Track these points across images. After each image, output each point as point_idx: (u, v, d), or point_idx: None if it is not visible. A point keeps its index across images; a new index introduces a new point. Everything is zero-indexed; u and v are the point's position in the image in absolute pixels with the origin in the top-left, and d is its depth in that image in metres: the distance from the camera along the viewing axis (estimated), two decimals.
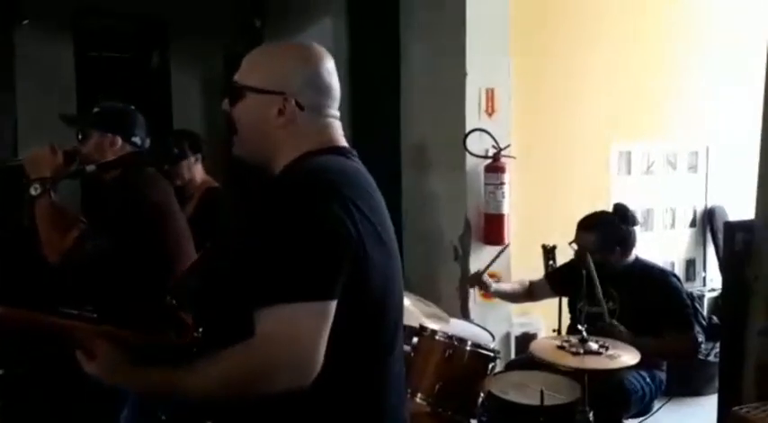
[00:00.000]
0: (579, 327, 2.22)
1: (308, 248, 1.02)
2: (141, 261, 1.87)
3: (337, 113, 1.24)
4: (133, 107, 2.09)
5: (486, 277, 2.94)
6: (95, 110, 2.02)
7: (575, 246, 2.70)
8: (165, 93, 5.98)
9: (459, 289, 3.44)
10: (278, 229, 1.04)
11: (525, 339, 3.62)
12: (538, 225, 3.53)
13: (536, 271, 3.18)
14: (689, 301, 2.64)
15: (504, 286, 3.18)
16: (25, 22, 5.30)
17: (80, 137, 1.98)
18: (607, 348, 2.14)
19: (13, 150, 5.15)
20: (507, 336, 3.55)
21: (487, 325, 2.82)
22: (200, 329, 1.22)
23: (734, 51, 4.33)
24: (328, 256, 1.03)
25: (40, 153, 1.89)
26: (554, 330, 3.05)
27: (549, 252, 3.18)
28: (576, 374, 2.22)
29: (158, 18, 5.83)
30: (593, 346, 2.14)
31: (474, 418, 2.21)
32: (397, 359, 1.20)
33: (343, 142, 1.23)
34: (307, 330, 1.01)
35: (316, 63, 1.20)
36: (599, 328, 2.32)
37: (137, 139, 2.03)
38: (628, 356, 2.11)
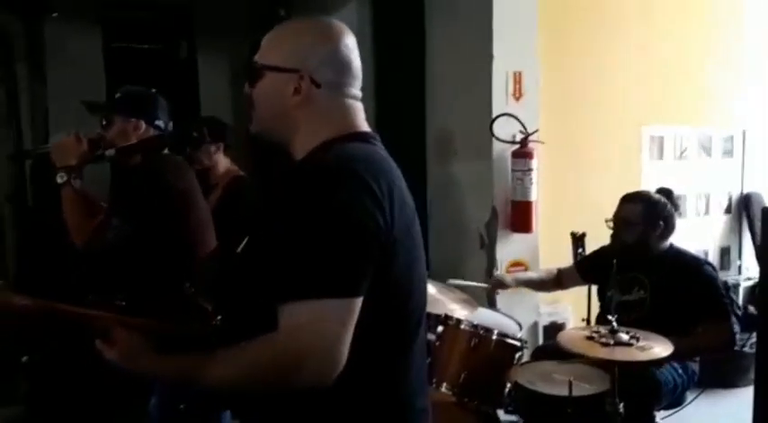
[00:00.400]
0: (609, 317, 2.15)
1: (336, 243, 0.99)
2: (161, 249, 1.88)
3: (359, 94, 1.19)
4: (155, 90, 2.08)
5: (501, 275, 2.87)
6: (117, 95, 2.02)
7: (610, 223, 2.62)
8: (193, 83, 6.02)
9: (486, 278, 3.39)
10: (305, 223, 1.00)
11: (553, 329, 3.56)
12: (566, 212, 3.46)
13: (565, 259, 3.11)
14: (724, 291, 2.55)
15: (530, 275, 3.11)
16: (55, 14, 5.37)
17: (104, 123, 1.98)
18: (638, 339, 2.07)
19: (45, 140, 5.24)
20: (535, 325, 3.50)
21: (515, 314, 2.77)
22: (220, 317, 1.21)
23: None
24: (357, 252, 1.00)
25: (66, 142, 1.90)
26: (583, 319, 2.99)
27: (578, 239, 3.11)
28: (605, 365, 2.16)
29: (185, 9, 5.86)
30: (624, 336, 2.07)
31: (500, 408, 2.17)
32: (419, 348, 1.17)
33: (366, 127, 1.19)
34: (332, 327, 0.98)
35: (334, 39, 1.15)
36: None
37: (160, 123, 2.02)
38: (660, 348, 2.04)
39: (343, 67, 1.16)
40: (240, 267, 1.17)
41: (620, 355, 2.00)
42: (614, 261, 2.26)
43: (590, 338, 2.09)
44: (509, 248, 3.38)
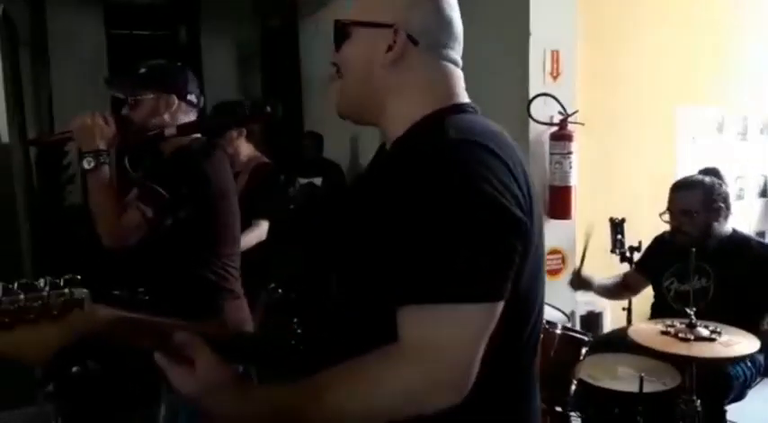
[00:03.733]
0: (687, 310, 1.98)
1: (476, 232, 0.81)
2: (193, 241, 1.73)
3: (460, 61, 1.02)
4: (180, 63, 1.87)
5: (588, 275, 2.65)
6: (142, 70, 1.78)
7: (665, 217, 2.45)
8: (196, 69, 5.88)
9: None
10: (435, 209, 0.82)
11: (590, 318, 3.44)
12: (602, 196, 3.31)
13: (601, 247, 2.96)
14: None
15: (606, 282, 2.81)
16: None
17: (131, 102, 1.77)
18: (720, 334, 1.91)
19: (49, 124, 5.08)
20: (572, 315, 3.34)
21: (552, 304, 2.61)
22: (301, 326, 1.03)
23: None
24: (502, 242, 0.82)
25: (90, 122, 1.66)
26: (624, 308, 2.85)
27: (617, 226, 2.96)
28: (675, 359, 2.00)
29: None
30: (704, 331, 1.90)
31: (564, 407, 2.02)
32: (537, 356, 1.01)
33: (467, 98, 1.01)
34: (472, 338, 0.81)
35: None
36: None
37: (192, 97, 1.80)
38: (745, 344, 1.88)
39: (444, 25, 0.99)
40: (334, 268, 0.98)
41: (703, 351, 1.83)
42: (692, 250, 2.08)
43: (665, 333, 1.93)
44: (547, 236, 3.21)
